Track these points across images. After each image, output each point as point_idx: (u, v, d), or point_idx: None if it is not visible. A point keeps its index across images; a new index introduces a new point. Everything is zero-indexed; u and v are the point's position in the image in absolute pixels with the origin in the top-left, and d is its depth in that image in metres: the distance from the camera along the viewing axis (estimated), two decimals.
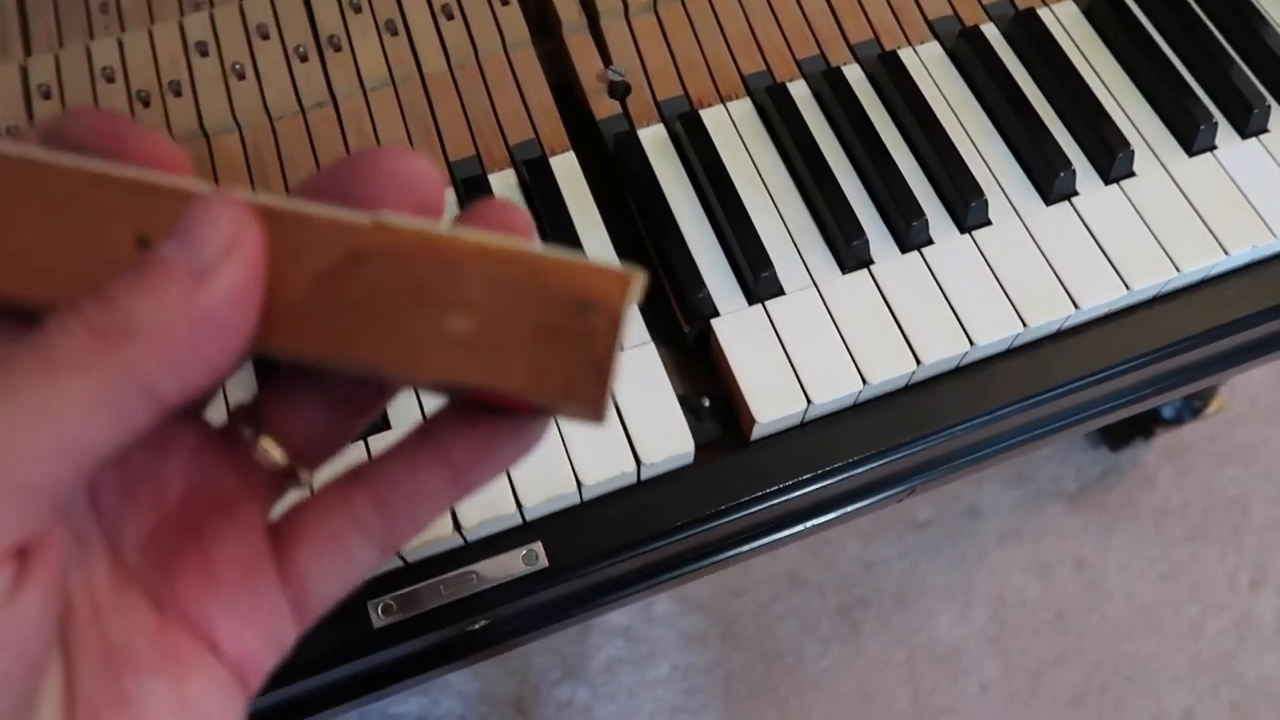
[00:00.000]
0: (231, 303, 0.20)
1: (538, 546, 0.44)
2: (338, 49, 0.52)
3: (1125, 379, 0.49)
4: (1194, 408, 1.13)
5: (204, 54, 0.52)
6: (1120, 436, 1.17)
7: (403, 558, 0.43)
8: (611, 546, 0.44)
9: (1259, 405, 1.23)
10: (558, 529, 0.44)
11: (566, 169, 0.50)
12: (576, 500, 0.44)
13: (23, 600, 0.18)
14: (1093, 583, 1.15)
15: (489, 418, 0.23)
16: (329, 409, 0.24)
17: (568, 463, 0.43)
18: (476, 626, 0.46)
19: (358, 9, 0.53)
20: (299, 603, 0.24)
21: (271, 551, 0.23)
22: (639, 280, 0.21)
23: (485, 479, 0.24)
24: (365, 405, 0.25)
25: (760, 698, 1.11)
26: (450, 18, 0.53)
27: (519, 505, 0.43)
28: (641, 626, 1.14)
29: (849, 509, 0.51)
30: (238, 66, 0.52)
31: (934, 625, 1.14)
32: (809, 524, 0.50)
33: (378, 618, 0.42)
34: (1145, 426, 1.15)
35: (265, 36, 0.53)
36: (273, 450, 0.24)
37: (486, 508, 0.42)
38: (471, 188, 0.49)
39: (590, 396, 0.21)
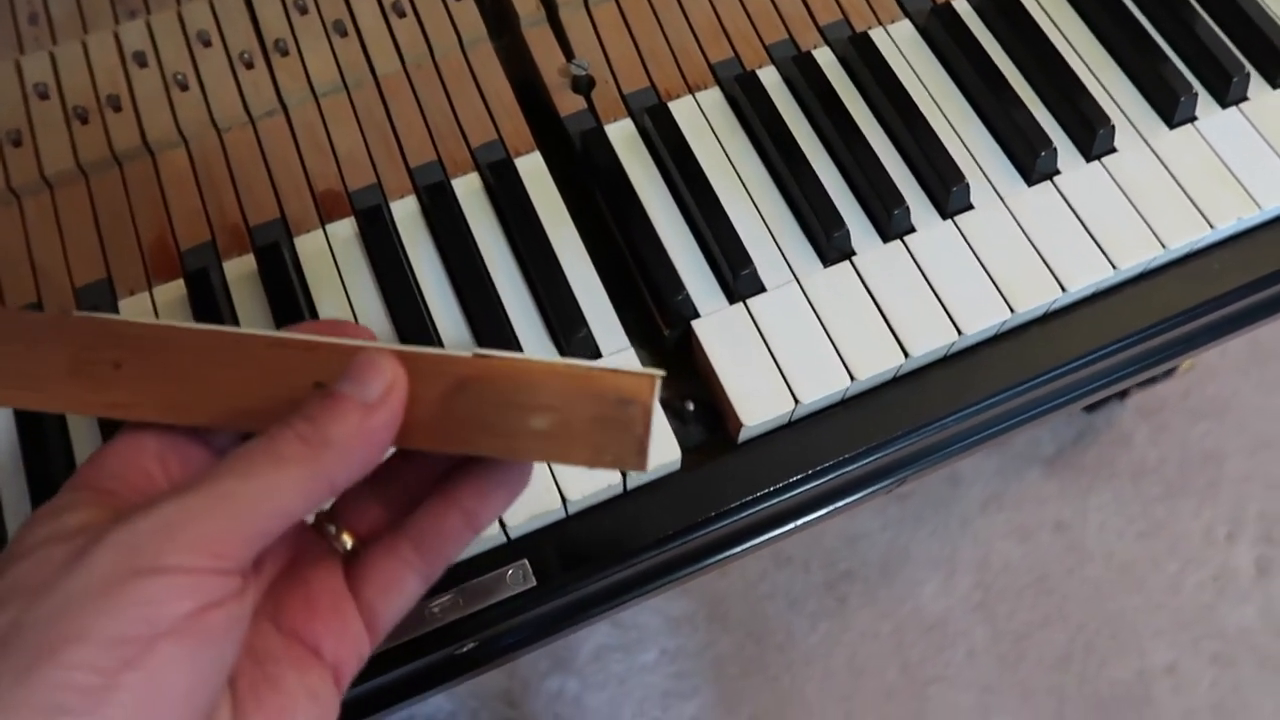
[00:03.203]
0: (387, 425, 0.29)
1: (525, 564, 0.43)
2: (285, 54, 0.50)
3: (1115, 358, 0.48)
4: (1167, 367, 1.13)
5: (143, 65, 0.50)
6: None
7: None
8: (600, 560, 0.43)
9: (1229, 358, 1.24)
10: (545, 544, 0.43)
11: (532, 170, 0.48)
12: (562, 515, 0.43)
13: (248, 598, 0.28)
14: (1073, 544, 1.16)
15: (487, 475, 0.32)
16: (386, 509, 0.34)
17: (551, 479, 0.42)
18: (465, 649, 0.44)
19: (304, 10, 0.51)
20: (370, 624, 0.32)
21: (350, 588, 0.32)
22: (660, 378, 0.30)
23: (492, 517, 0.33)
24: (412, 506, 0.34)
25: (751, 678, 1.11)
26: (402, 15, 0.51)
27: (503, 525, 0.41)
28: (628, 613, 1.13)
29: (840, 504, 0.50)
30: (180, 77, 0.49)
31: (920, 595, 1.14)
32: (800, 521, 0.49)
33: None
34: None
35: (207, 44, 0.50)
36: (347, 540, 0.33)
37: None
38: (435, 194, 0.47)
39: (634, 463, 0.30)
